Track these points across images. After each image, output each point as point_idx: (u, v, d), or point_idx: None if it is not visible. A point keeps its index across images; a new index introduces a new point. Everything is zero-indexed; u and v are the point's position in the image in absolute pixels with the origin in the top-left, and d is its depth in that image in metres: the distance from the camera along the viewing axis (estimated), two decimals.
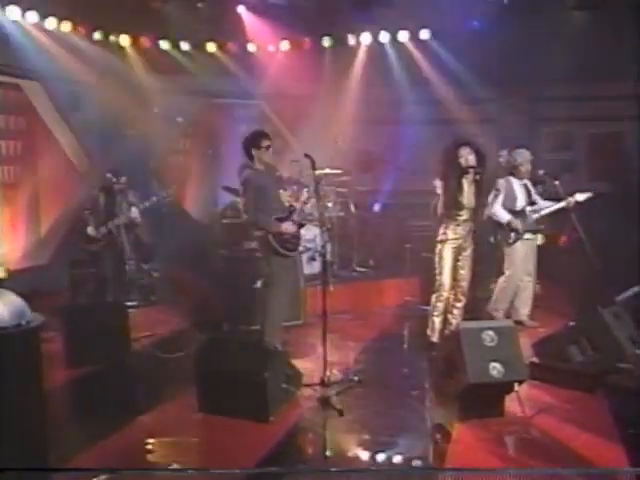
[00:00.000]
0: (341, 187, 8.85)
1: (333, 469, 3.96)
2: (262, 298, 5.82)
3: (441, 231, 5.87)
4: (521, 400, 4.57)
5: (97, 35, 8.91)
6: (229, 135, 10.24)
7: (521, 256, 6.55)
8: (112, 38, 9.16)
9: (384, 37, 9.74)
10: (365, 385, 5.21)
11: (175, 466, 3.99)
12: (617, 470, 3.84)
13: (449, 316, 6.01)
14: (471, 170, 5.71)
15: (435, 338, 5.97)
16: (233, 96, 10.58)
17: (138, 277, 7.82)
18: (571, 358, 5.16)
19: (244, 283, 6.69)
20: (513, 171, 6.61)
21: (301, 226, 5.82)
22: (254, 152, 5.56)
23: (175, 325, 7.19)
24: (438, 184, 5.79)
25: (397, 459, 4.03)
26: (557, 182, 6.52)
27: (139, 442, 4.36)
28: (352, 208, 8.88)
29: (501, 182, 6.57)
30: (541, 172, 6.86)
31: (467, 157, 5.73)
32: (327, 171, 8.12)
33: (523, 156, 6.59)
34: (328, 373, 5.05)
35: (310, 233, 7.64)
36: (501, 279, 6.61)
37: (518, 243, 6.52)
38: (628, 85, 9.07)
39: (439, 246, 5.89)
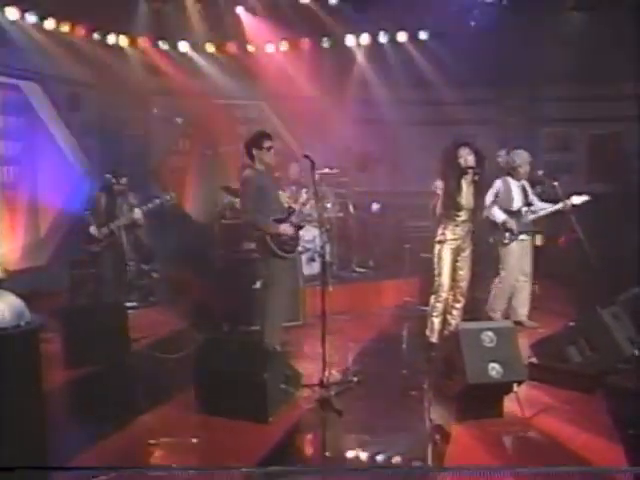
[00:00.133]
0: (340, 188, 8.86)
1: (332, 469, 3.96)
2: (261, 299, 5.82)
3: (440, 232, 5.87)
4: (520, 401, 4.56)
5: (96, 35, 8.92)
6: (228, 135, 10.25)
7: (516, 256, 6.56)
8: (111, 38, 9.17)
9: (383, 38, 9.76)
10: (364, 386, 5.21)
11: (175, 466, 3.99)
12: (616, 470, 3.84)
13: (448, 317, 6.01)
14: (470, 171, 5.71)
15: (434, 339, 5.97)
16: (232, 97, 10.58)
17: (138, 278, 7.82)
18: (570, 359, 5.15)
19: (243, 284, 6.68)
20: (511, 172, 6.62)
21: (300, 228, 5.80)
22: (255, 152, 5.55)
23: (174, 326, 7.19)
24: (439, 185, 5.78)
25: (396, 459, 4.03)
26: (556, 183, 6.53)
27: (139, 442, 4.36)
28: (351, 209, 8.89)
29: (498, 182, 6.57)
30: (540, 173, 6.87)
31: (466, 157, 5.73)
32: (326, 171, 8.13)
33: (522, 157, 6.60)
34: (327, 374, 5.04)
35: (309, 234, 7.65)
36: (496, 279, 6.62)
37: (513, 243, 6.52)
38: (628, 85, 9.08)
39: (438, 247, 5.89)
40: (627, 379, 5.03)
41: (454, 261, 5.88)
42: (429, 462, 4.10)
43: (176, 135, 10.66)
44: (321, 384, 5.00)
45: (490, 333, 4.52)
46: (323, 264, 5.38)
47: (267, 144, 5.56)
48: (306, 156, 5.29)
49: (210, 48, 9.88)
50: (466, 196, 5.78)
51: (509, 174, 6.62)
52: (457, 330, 4.73)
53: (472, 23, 9.12)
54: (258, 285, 6.23)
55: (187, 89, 9.95)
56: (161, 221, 8.03)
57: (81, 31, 8.74)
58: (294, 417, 4.72)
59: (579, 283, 7.21)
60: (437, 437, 4.43)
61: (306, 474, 3.96)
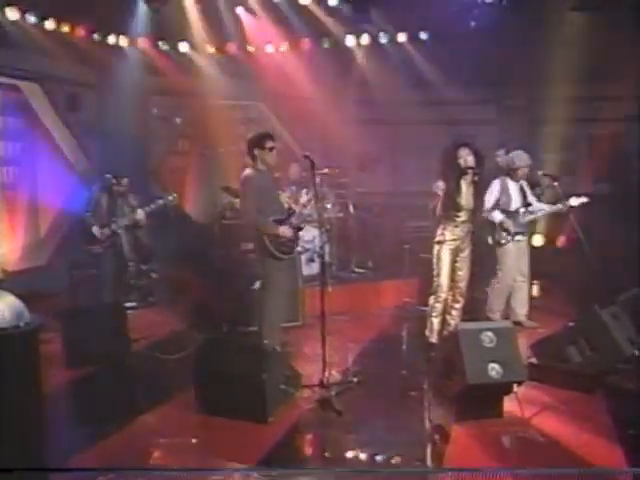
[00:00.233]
0: (340, 188, 8.86)
1: (332, 470, 3.96)
2: (259, 300, 5.80)
3: (439, 232, 5.88)
4: (520, 401, 4.56)
5: (96, 36, 8.92)
6: (228, 136, 10.24)
7: (513, 257, 6.56)
8: (111, 39, 9.17)
9: (383, 38, 9.76)
10: (364, 386, 5.21)
11: (175, 467, 3.99)
12: (616, 470, 3.84)
13: (447, 317, 6.02)
14: (470, 171, 5.71)
15: (434, 339, 5.97)
16: (232, 97, 10.58)
17: (137, 278, 7.82)
18: (570, 359, 5.15)
19: (243, 284, 6.68)
20: (510, 173, 6.61)
21: (299, 230, 5.79)
22: (257, 152, 5.53)
23: (174, 326, 7.19)
24: (440, 185, 5.76)
25: (396, 460, 4.03)
26: (556, 183, 6.53)
27: (138, 442, 4.36)
28: (351, 209, 8.89)
29: (496, 183, 6.57)
30: (540, 173, 6.87)
31: (466, 158, 5.73)
32: (326, 171, 8.12)
33: (521, 158, 6.59)
34: (327, 374, 5.04)
35: (309, 234, 7.65)
36: (494, 280, 6.62)
37: (510, 244, 6.52)
38: (628, 85, 9.07)
39: (437, 247, 5.89)
40: (627, 379, 5.03)
41: (453, 261, 5.89)
42: (428, 462, 4.10)
43: (175, 135, 10.66)
44: (321, 384, 5.00)
45: (490, 333, 4.52)
46: (322, 264, 5.37)
47: (269, 144, 5.55)
48: (306, 156, 5.29)
49: (210, 48, 9.87)
50: (466, 197, 5.78)
51: (508, 174, 6.62)
52: (456, 330, 4.73)
53: (472, 23, 9.12)
54: (257, 286, 6.24)
55: (187, 89, 9.95)
56: (161, 221, 8.03)
57: (81, 31, 8.73)
58: (294, 417, 4.72)
59: (579, 283, 7.20)
60: (437, 437, 4.43)
61: (306, 474, 3.96)
